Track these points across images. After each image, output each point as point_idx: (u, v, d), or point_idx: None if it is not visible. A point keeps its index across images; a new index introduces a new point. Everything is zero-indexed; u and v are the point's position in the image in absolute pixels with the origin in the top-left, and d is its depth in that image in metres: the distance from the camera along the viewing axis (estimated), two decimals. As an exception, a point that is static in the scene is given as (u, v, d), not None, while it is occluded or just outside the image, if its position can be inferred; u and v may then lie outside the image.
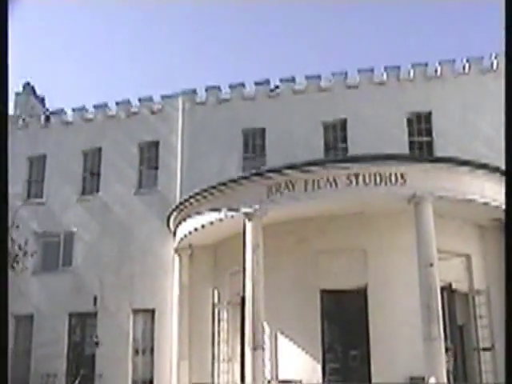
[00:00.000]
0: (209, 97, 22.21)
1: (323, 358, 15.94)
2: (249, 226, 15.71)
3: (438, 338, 13.88)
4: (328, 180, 15.13)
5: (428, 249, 14.49)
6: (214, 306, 19.25)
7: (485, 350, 16.53)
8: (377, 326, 15.73)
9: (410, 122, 20.33)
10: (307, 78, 21.56)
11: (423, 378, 13.92)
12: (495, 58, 20.23)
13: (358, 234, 16.40)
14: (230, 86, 22.17)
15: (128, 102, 23.18)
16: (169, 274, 20.53)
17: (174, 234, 19.69)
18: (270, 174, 15.74)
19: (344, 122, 20.72)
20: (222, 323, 18.82)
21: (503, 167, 17.08)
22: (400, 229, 15.97)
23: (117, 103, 23.27)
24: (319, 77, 21.52)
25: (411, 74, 20.71)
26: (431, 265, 14.32)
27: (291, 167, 15.60)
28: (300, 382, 15.42)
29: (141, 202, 21.73)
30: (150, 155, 22.55)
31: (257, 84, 21.95)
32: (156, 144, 22.40)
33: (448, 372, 14.28)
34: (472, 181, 15.56)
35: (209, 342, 19.03)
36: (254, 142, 21.57)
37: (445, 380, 13.62)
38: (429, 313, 14.04)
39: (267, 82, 21.95)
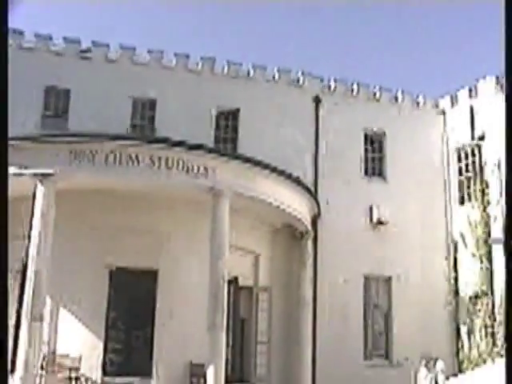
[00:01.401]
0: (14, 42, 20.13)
1: (106, 336, 15.54)
2: (40, 189, 14.55)
3: (220, 327, 14.37)
4: (130, 157, 14.77)
5: (220, 241, 14.93)
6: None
7: (262, 343, 17.65)
8: (164, 309, 15.79)
9: (218, 116, 20.80)
10: (122, 47, 20.82)
11: (203, 365, 14.36)
12: (301, 74, 21.69)
13: (158, 217, 16.28)
14: (37, 35, 20.35)
15: None
16: None
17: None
18: (68, 139, 14.83)
19: (153, 102, 20.43)
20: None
21: (307, 172, 18.30)
22: (200, 218, 16.21)
23: None
24: (134, 49, 20.92)
25: (225, 69, 21.20)
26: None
27: (91, 136, 15.01)
28: (79, 357, 14.86)
29: None
30: None
31: (66, 41, 20.52)
32: None
33: (227, 361, 14.93)
34: (267, 183, 16.32)
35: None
36: (58, 103, 20.18)
37: (223, 369, 14.22)
38: (215, 303, 14.47)
39: (78, 41, 20.67)
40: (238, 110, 20.85)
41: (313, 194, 18.88)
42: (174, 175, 14.84)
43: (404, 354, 19.46)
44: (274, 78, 21.55)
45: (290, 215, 17.44)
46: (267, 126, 20.70)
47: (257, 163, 16.09)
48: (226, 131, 20.86)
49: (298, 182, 17.51)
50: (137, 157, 14.76)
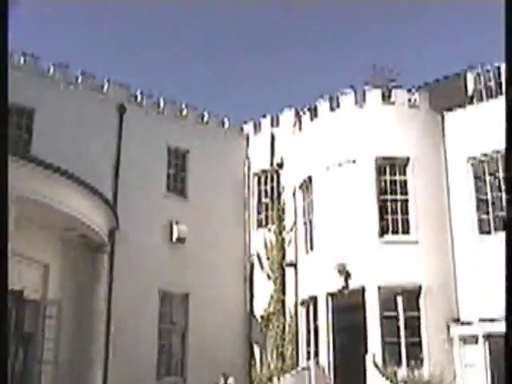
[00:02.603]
0: None
1: None
2: None
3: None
4: None
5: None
6: None
7: (47, 363, 15.94)
8: None
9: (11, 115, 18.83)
10: None
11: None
12: (107, 80, 20.74)
13: None
14: None
15: None
16: None
17: None
18: None
19: None
20: None
21: (106, 183, 17.16)
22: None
23: None
24: None
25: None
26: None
27: None
28: None
29: None
30: None
31: None
32: None
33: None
34: (60, 189, 14.94)
35: None
36: None
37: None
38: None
39: None
40: (33, 110, 19.07)
41: (111, 205, 17.90)
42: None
43: (200, 372, 19.14)
44: (76, 80, 20.25)
45: (85, 225, 16.26)
46: (65, 131, 19.25)
47: (48, 166, 14.57)
48: (20, 132, 19.01)
49: (94, 191, 16.35)
50: None
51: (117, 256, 18.80)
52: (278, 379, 16.40)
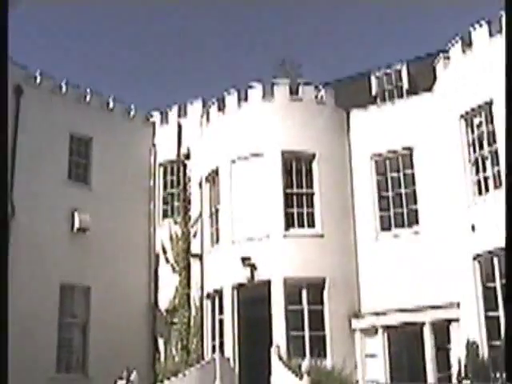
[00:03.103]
0: None
1: None
2: None
3: None
4: None
5: None
6: None
7: None
8: None
9: None
10: None
11: None
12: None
13: None
14: None
15: None
16: None
17: None
18: None
19: None
20: None
21: None
22: None
23: None
24: None
25: None
26: None
27: None
28: None
29: None
30: None
31: None
32: None
33: None
34: None
35: None
36: None
37: None
38: None
39: None
40: None
41: (6, 192, 16.95)
42: None
43: (102, 366, 18.60)
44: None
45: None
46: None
47: None
48: None
49: None
50: None
51: (14, 246, 17.82)
52: (183, 373, 16.28)
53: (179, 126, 22.47)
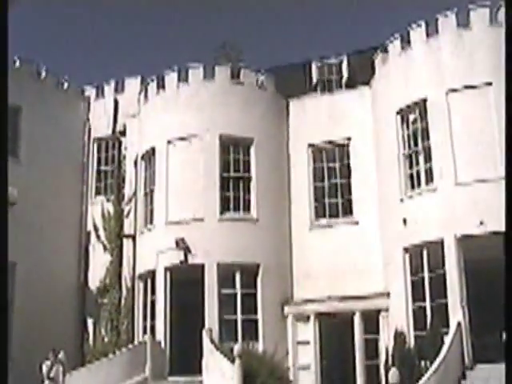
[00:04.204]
0: None
1: None
2: None
3: None
4: None
5: None
6: None
7: None
8: None
9: None
10: None
11: None
12: None
13: None
14: None
15: None
16: None
17: None
18: None
19: None
20: None
21: None
22: None
23: None
24: None
25: None
26: None
27: None
28: None
29: None
30: None
31: None
32: None
33: None
34: None
35: None
36: None
37: None
38: None
39: None
40: None
41: None
42: None
43: (26, 347, 17.98)
44: None
45: None
46: None
47: None
48: None
49: None
50: None
51: None
52: (113, 354, 16.11)
53: (116, 102, 21.91)
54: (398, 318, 15.93)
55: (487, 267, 14.62)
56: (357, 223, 18.18)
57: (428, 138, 16.52)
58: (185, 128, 18.89)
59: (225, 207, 18.23)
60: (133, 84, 21.89)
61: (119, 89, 22.22)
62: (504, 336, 15.12)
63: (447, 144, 15.89)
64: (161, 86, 19.80)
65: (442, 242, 15.27)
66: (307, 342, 17.31)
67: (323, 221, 18.78)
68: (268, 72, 20.22)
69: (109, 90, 22.31)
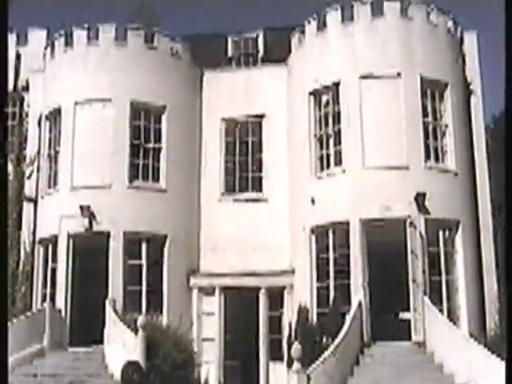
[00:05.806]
0: None
1: None
2: None
3: None
4: None
5: None
6: None
7: None
8: None
9: None
10: None
11: None
12: None
13: None
14: None
15: None
16: None
17: None
18: None
19: None
20: None
21: None
22: None
23: None
24: None
25: None
26: None
27: None
28: None
29: None
30: None
31: None
32: None
33: None
34: None
35: None
36: None
37: None
38: None
39: None
40: None
41: None
42: None
43: None
44: None
45: None
46: None
47: None
48: None
49: None
50: None
51: None
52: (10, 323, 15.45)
53: (18, 55, 20.57)
54: (302, 294, 16.47)
55: (388, 250, 15.36)
56: (266, 200, 18.45)
57: (339, 122, 16.97)
58: (94, 90, 18.14)
59: (134, 175, 17.82)
60: (37, 37, 20.61)
61: (22, 41, 20.84)
62: (400, 315, 16.37)
63: (357, 128, 16.42)
64: (70, 43, 18.79)
65: (347, 224, 15.87)
66: (212, 313, 17.47)
67: (233, 195, 18.88)
68: (184, 40, 19.76)
69: (10, 41, 20.84)
